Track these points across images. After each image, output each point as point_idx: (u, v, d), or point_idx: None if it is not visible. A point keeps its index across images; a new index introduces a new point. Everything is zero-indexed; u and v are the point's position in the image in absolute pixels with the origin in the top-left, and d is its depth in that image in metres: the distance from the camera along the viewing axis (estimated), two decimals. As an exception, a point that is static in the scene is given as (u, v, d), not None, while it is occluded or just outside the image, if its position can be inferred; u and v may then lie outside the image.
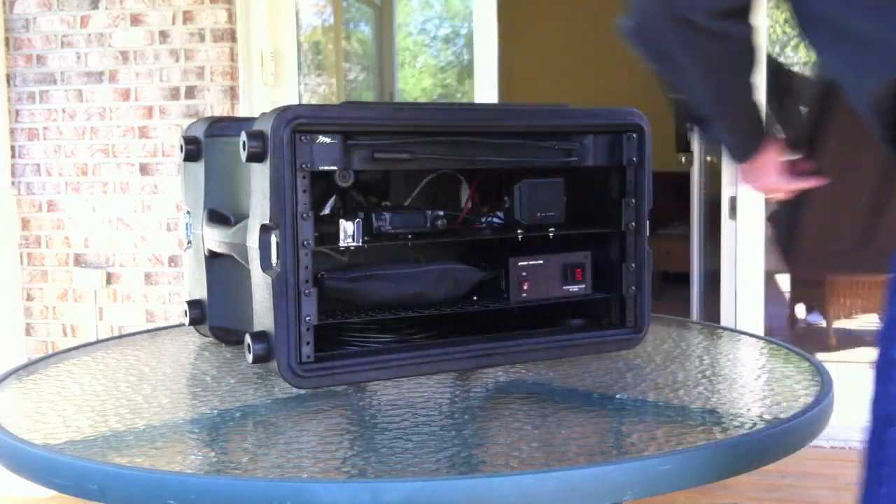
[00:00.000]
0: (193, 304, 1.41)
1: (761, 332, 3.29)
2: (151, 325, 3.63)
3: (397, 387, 1.20)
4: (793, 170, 1.21)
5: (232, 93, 3.58)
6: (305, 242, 1.12)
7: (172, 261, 3.69)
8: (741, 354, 1.42)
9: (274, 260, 1.13)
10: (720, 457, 0.94)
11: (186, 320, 1.42)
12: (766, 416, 1.06)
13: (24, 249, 3.85)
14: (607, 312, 1.37)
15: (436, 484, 0.85)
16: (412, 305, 1.27)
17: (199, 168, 1.37)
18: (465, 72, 6.55)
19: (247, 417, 1.09)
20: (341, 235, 1.19)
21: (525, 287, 1.30)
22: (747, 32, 1.08)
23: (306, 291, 1.12)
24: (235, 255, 1.27)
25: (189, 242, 1.42)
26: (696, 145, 4.35)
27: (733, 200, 3.39)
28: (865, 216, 1.21)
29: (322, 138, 1.13)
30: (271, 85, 3.65)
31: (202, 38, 3.58)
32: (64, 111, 3.74)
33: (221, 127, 1.36)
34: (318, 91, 5.07)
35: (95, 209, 3.74)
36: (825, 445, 3.33)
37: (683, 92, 1.16)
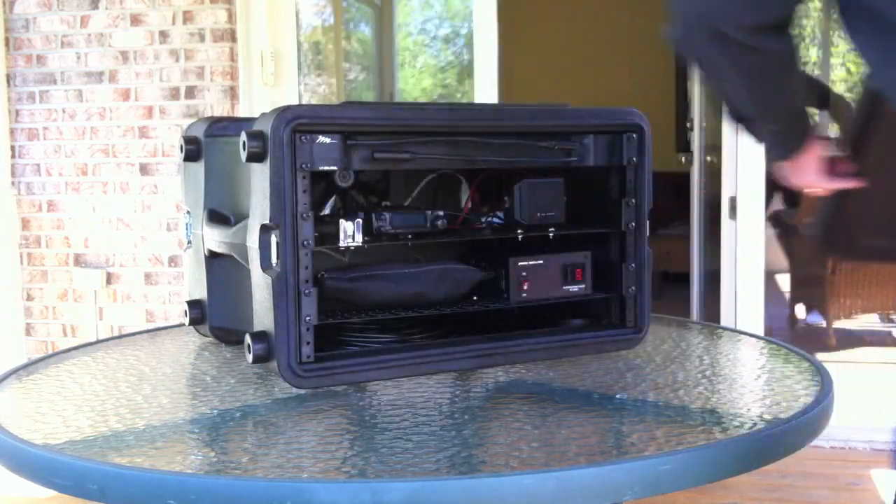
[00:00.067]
0: (193, 304, 1.41)
1: (761, 332, 3.29)
2: (151, 325, 3.63)
3: (397, 387, 1.20)
4: (833, 170, 1.23)
5: (232, 93, 3.58)
6: (305, 242, 1.12)
7: (172, 261, 3.69)
8: (741, 354, 1.42)
9: (274, 260, 1.13)
10: (720, 457, 0.94)
11: (186, 320, 1.42)
12: (766, 416, 1.06)
13: (24, 249, 3.85)
14: (607, 312, 1.37)
15: (436, 484, 0.85)
16: (412, 305, 1.27)
17: (199, 168, 1.37)
18: (465, 72, 6.55)
19: (247, 417, 1.09)
20: (341, 235, 1.19)
21: (525, 287, 1.30)
22: (783, 46, 1.10)
23: (306, 291, 1.12)
24: (235, 255, 1.27)
25: (189, 242, 1.42)
26: (696, 145, 4.35)
27: (733, 200, 3.39)
28: None
29: (322, 138, 1.13)
30: (271, 85, 3.65)
31: (202, 38, 3.58)
32: (64, 111, 3.74)
33: (221, 127, 1.36)
34: (318, 91, 5.07)
35: (95, 209, 3.74)
36: (825, 445, 3.33)
37: (725, 94, 1.18)
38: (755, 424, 1.02)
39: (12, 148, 3.80)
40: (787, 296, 5.09)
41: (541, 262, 1.32)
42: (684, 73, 7.29)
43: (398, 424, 1.05)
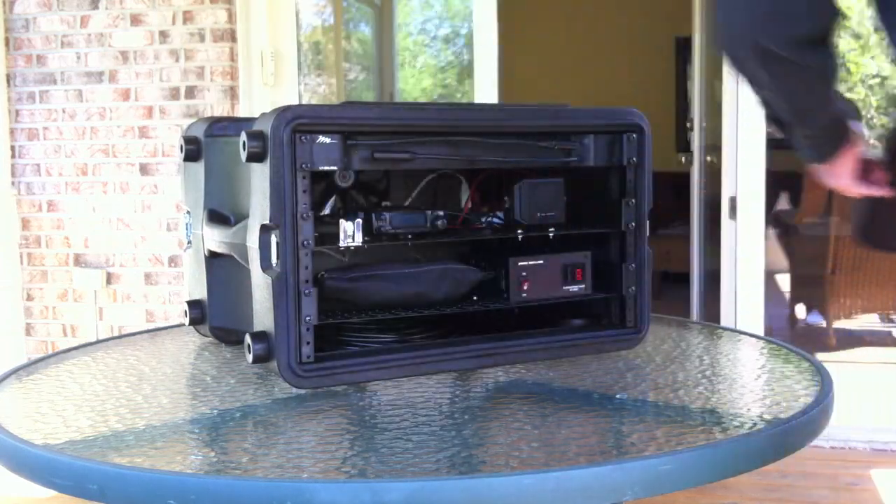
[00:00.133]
0: (193, 304, 1.41)
1: (761, 332, 3.29)
2: (151, 325, 3.63)
3: (397, 387, 1.20)
4: (867, 176, 1.26)
5: (232, 93, 3.58)
6: (305, 242, 1.12)
7: (172, 261, 3.69)
8: (741, 354, 1.42)
9: (274, 260, 1.13)
10: (720, 457, 0.94)
11: (186, 320, 1.42)
12: (766, 416, 1.06)
13: (24, 249, 3.85)
14: (607, 312, 1.37)
15: (436, 484, 0.85)
16: (412, 305, 1.27)
17: (199, 168, 1.37)
18: (465, 72, 6.55)
19: (247, 417, 1.09)
20: (341, 235, 1.19)
21: (525, 287, 1.30)
22: (821, 60, 1.13)
23: (306, 291, 1.12)
24: (235, 255, 1.27)
25: (189, 242, 1.42)
26: (696, 145, 4.35)
27: (733, 200, 3.39)
28: None
29: (322, 138, 1.13)
30: (271, 85, 3.65)
31: (202, 38, 3.58)
32: (64, 111, 3.74)
33: (221, 127, 1.36)
34: (318, 91, 5.07)
35: (95, 209, 3.74)
36: (825, 445, 3.33)
37: (765, 100, 1.21)
38: (755, 424, 1.02)
39: (12, 148, 3.80)
40: (787, 296, 5.09)
41: (541, 262, 1.32)
42: (684, 73, 7.30)
43: (398, 424, 1.05)
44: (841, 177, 1.27)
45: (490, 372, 1.28)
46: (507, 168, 1.31)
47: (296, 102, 3.26)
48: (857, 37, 6.21)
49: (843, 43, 5.91)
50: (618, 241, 1.34)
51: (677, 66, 7.41)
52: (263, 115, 1.13)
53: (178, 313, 3.67)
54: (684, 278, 4.56)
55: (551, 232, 1.32)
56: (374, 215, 1.22)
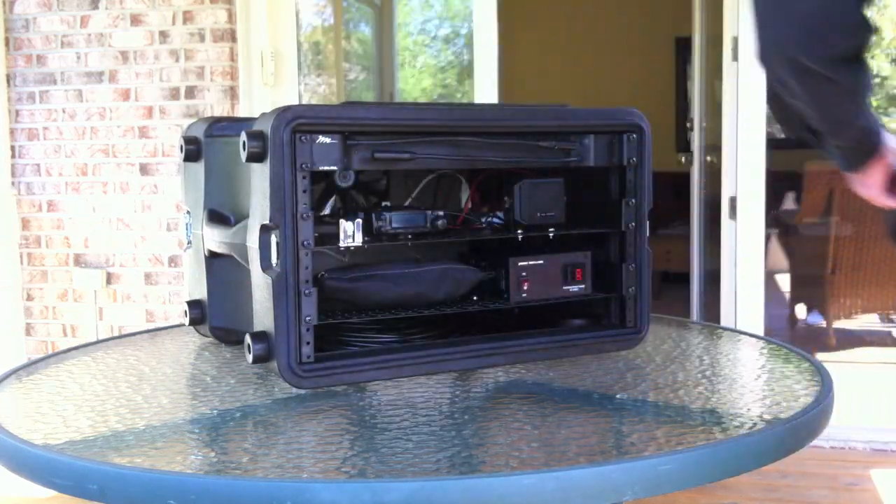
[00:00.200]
0: (193, 305, 1.41)
1: (761, 332, 3.29)
2: (151, 325, 3.63)
3: (397, 387, 1.20)
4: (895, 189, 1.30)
5: (232, 93, 3.58)
6: (305, 242, 1.12)
7: (172, 261, 3.69)
8: (741, 354, 1.42)
9: (274, 260, 1.13)
10: (720, 457, 0.94)
11: (186, 320, 1.42)
12: (766, 416, 1.06)
13: (24, 249, 3.85)
14: (607, 312, 1.37)
15: (436, 484, 0.85)
16: (412, 305, 1.27)
17: (199, 168, 1.37)
18: (465, 72, 6.55)
19: (247, 417, 1.09)
20: (341, 235, 1.19)
21: (525, 287, 1.30)
22: (855, 76, 1.16)
23: (306, 291, 1.12)
24: (235, 255, 1.27)
25: (189, 242, 1.42)
26: (696, 145, 4.35)
27: (733, 200, 3.39)
28: None
29: (322, 138, 1.13)
30: (271, 85, 3.65)
31: (202, 38, 3.58)
32: (64, 111, 3.74)
33: (221, 127, 1.36)
34: (318, 91, 5.08)
35: (95, 209, 3.74)
36: (825, 445, 3.33)
37: (798, 110, 1.24)
38: (755, 424, 1.02)
39: (12, 148, 3.81)
40: (787, 296, 5.09)
41: (541, 262, 1.32)
42: (684, 73, 7.30)
43: (398, 424, 1.05)
44: (871, 188, 1.31)
45: (490, 372, 1.28)
46: (507, 168, 1.31)
47: (296, 102, 3.26)
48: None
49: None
50: (618, 241, 1.34)
51: (677, 66, 7.42)
52: (263, 115, 1.13)
53: (178, 313, 3.67)
54: (684, 278, 4.57)
55: (551, 232, 1.32)
56: (374, 215, 1.22)
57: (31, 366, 1.36)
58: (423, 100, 6.91)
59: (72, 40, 3.71)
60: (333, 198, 1.30)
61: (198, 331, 1.46)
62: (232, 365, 1.33)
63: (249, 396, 1.17)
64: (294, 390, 1.16)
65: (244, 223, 1.22)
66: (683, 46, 6.94)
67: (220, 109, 3.57)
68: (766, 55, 1.18)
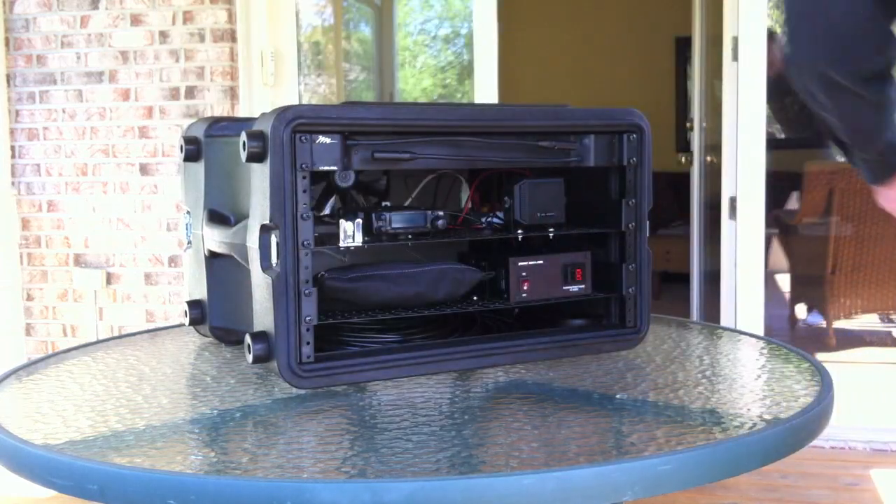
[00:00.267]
0: (193, 304, 1.41)
1: (761, 332, 3.29)
2: (151, 325, 3.63)
3: (397, 387, 1.20)
4: None
5: (232, 93, 3.58)
6: (305, 242, 1.12)
7: (172, 261, 3.69)
8: (741, 354, 1.42)
9: (274, 260, 1.13)
10: (720, 457, 0.94)
11: (186, 320, 1.42)
12: (766, 416, 1.06)
13: (24, 249, 3.85)
14: (607, 312, 1.37)
15: (436, 484, 0.85)
16: (412, 305, 1.27)
17: (199, 168, 1.37)
18: (465, 72, 6.55)
19: (247, 417, 1.09)
20: (341, 235, 1.19)
21: (525, 287, 1.30)
22: (883, 92, 1.18)
23: (306, 291, 1.12)
24: (235, 255, 1.27)
25: (189, 242, 1.42)
26: (696, 145, 4.35)
27: (733, 200, 3.39)
28: None
29: (322, 138, 1.13)
30: (271, 85, 3.65)
31: (202, 38, 3.58)
32: (64, 111, 3.74)
33: (221, 127, 1.36)
34: (318, 91, 5.08)
35: (95, 209, 3.75)
36: (825, 445, 3.33)
37: (826, 122, 1.26)
38: (755, 424, 1.02)
39: (12, 148, 3.81)
40: (787, 296, 5.10)
41: (541, 262, 1.32)
42: (684, 73, 7.31)
43: (398, 424, 1.05)
44: (893, 201, 1.33)
45: (490, 372, 1.28)
46: (507, 168, 1.31)
47: (296, 102, 3.26)
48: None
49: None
50: (618, 241, 1.34)
51: (677, 66, 7.42)
52: (263, 115, 1.13)
53: (178, 313, 3.67)
54: (684, 278, 4.57)
55: (551, 232, 1.32)
56: (374, 215, 1.22)
57: (31, 366, 1.36)
58: (423, 100, 6.91)
59: (72, 40, 3.71)
60: (333, 198, 1.30)
61: (198, 331, 1.46)
62: (232, 365, 1.33)
63: (249, 396, 1.17)
64: (294, 390, 1.16)
65: (244, 223, 1.22)
66: (683, 46, 6.95)
67: (220, 109, 3.57)
68: (797, 68, 1.20)
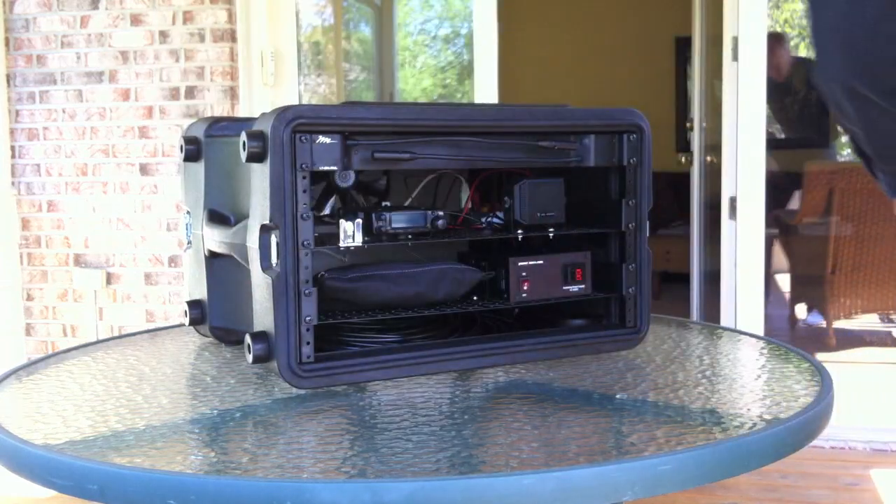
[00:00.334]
0: (193, 305, 1.41)
1: (761, 332, 3.29)
2: (151, 325, 3.63)
3: (397, 387, 1.20)
4: None
5: (232, 93, 3.58)
6: (305, 242, 1.12)
7: (172, 261, 3.69)
8: (741, 354, 1.42)
9: (274, 260, 1.13)
10: (720, 457, 0.94)
11: (186, 320, 1.42)
12: (766, 416, 1.06)
13: (24, 249, 3.85)
14: (607, 312, 1.37)
15: (436, 484, 0.85)
16: (412, 305, 1.27)
17: (199, 168, 1.37)
18: (465, 72, 6.55)
19: (247, 417, 1.09)
20: (341, 235, 1.19)
21: (525, 287, 1.30)
22: None
23: (306, 291, 1.12)
24: (235, 255, 1.27)
25: (189, 242, 1.42)
26: (696, 145, 4.35)
27: (733, 200, 3.39)
28: None
29: (322, 138, 1.13)
30: (271, 85, 3.65)
31: (202, 38, 3.58)
32: (64, 111, 3.74)
33: (221, 127, 1.36)
34: (318, 91, 5.08)
35: (95, 209, 3.75)
36: (825, 445, 3.33)
37: (851, 133, 1.27)
38: (755, 424, 1.02)
39: (12, 148, 3.81)
40: (787, 296, 5.10)
41: (541, 262, 1.32)
42: (684, 73, 7.31)
43: (398, 424, 1.05)
44: None
45: (490, 372, 1.28)
46: (507, 168, 1.31)
47: (296, 102, 3.26)
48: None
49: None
50: (618, 241, 1.34)
51: (677, 66, 7.42)
52: (263, 115, 1.13)
53: (178, 313, 3.67)
54: (684, 278, 4.57)
55: (551, 232, 1.32)
56: (374, 215, 1.22)
57: (31, 366, 1.36)
58: (423, 100, 6.91)
59: (72, 40, 3.71)
60: (333, 198, 1.30)
61: (198, 331, 1.46)
62: (232, 365, 1.33)
63: (249, 396, 1.17)
64: (294, 390, 1.16)
65: (244, 223, 1.22)
66: (683, 46, 6.95)
67: (220, 109, 3.57)
68: (824, 78, 1.21)
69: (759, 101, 3.31)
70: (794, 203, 4.99)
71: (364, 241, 1.20)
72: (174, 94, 3.62)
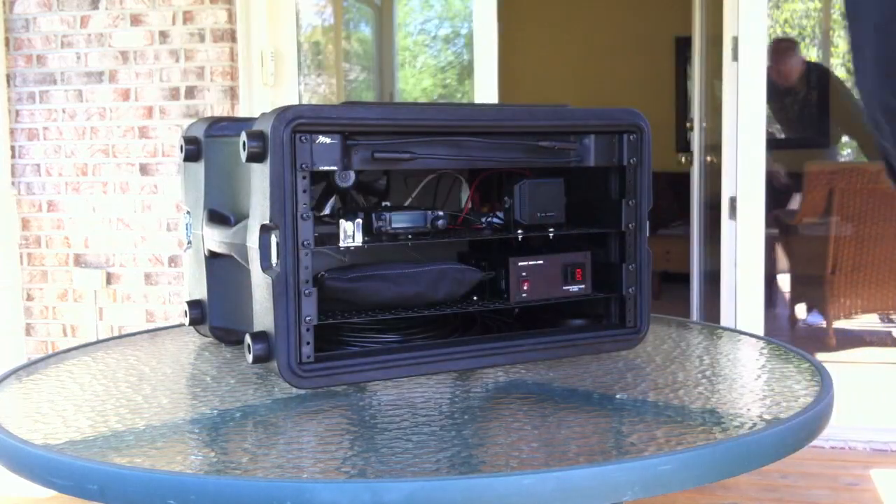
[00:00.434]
0: (193, 305, 1.41)
1: (761, 332, 3.29)
2: (151, 325, 3.63)
3: (397, 387, 1.20)
4: None
5: (232, 93, 3.58)
6: (305, 242, 1.12)
7: (172, 261, 3.69)
8: (741, 354, 1.42)
9: (274, 260, 1.13)
10: (720, 457, 0.94)
11: (186, 320, 1.42)
12: (766, 416, 1.06)
13: (24, 249, 3.85)
14: (607, 312, 1.37)
15: (436, 484, 0.85)
16: (412, 305, 1.27)
17: (199, 168, 1.37)
18: (465, 72, 6.55)
19: (247, 417, 1.09)
20: (341, 235, 1.19)
21: (525, 287, 1.30)
22: None
23: (306, 291, 1.12)
24: (235, 255, 1.27)
25: (189, 242, 1.42)
26: (696, 145, 4.35)
27: (733, 200, 3.39)
28: None
29: (322, 138, 1.13)
30: (271, 85, 3.65)
31: (202, 38, 3.58)
32: (64, 111, 3.74)
33: (221, 127, 1.36)
34: (318, 91, 5.08)
35: (95, 209, 3.74)
36: (825, 445, 3.33)
37: (886, 152, 1.28)
38: (755, 424, 1.02)
39: (12, 148, 3.81)
40: (787, 296, 5.10)
41: (541, 262, 1.32)
42: (684, 73, 7.31)
43: (398, 424, 1.05)
44: None
45: (490, 372, 1.28)
46: (507, 168, 1.31)
47: (296, 102, 3.26)
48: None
49: (843, 43, 5.92)
50: (618, 241, 1.34)
51: (677, 66, 7.42)
52: (263, 115, 1.13)
53: (178, 313, 3.67)
54: (684, 278, 4.57)
55: (551, 232, 1.32)
56: (374, 215, 1.22)
57: (31, 366, 1.36)
58: (423, 100, 6.91)
59: (72, 40, 3.71)
60: (333, 198, 1.30)
61: (198, 331, 1.46)
62: (232, 365, 1.33)
63: (249, 396, 1.17)
64: (294, 390, 1.16)
65: (244, 223, 1.22)
66: (683, 46, 6.95)
67: (220, 109, 3.57)
68: (864, 97, 1.22)
69: (759, 101, 3.31)
70: (795, 203, 4.99)
71: (364, 241, 1.20)
72: (174, 94, 3.62)
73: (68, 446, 0.98)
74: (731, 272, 3.41)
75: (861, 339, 4.79)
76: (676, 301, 4.88)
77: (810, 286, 4.82)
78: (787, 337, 4.79)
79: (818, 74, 5.17)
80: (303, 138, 1.11)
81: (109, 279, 3.75)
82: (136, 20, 3.63)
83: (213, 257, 1.36)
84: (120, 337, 1.59)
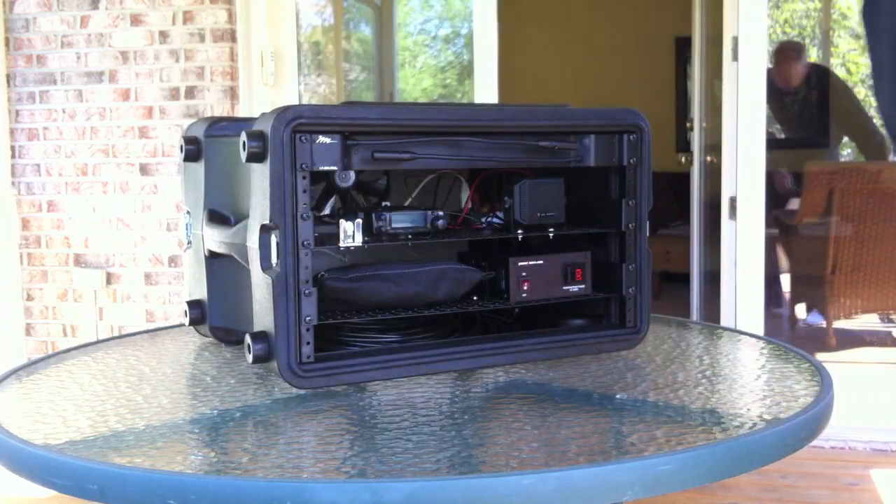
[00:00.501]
0: (193, 305, 1.41)
1: (761, 332, 3.29)
2: (151, 325, 3.63)
3: (397, 387, 1.20)
4: None
5: (232, 93, 3.58)
6: (305, 242, 1.12)
7: (172, 261, 3.69)
8: (741, 354, 1.42)
9: (274, 260, 1.13)
10: (720, 457, 0.94)
11: (186, 320, 1.42)
12: (766, 416, 1.06)
13: (24, 249, 3.85)
14: (607, 312, 1.37)
15: (436, 484, 0.85)
16: (412, 305, 1.27)
17: (199, 168, 1.37)
18: (465, 72, 6.55)
19: (247, 417, 1.09)
20: (341, 235, 1.19)
21: (525, 287, 1.30)
22: None
23: (306, 291, 1.12)
24: (235, 255, 1.27)
25: (189, 242, 1.42)
26: (696, 145, 4.35)
27: (733, 200, 3.39)
28: None
29: (322, 138, 1.13)
30: (271, 85, 3.65)
31: (202, 38, 3.58)
32: (64, 111, 3.74)
33: (221, 127, 1.36)
34: (318, 91, 5.08)
35: (95, 209, 3.74)
36: (825, 445, 3.33)
37: None
38: (755, 424, 1.02)
39: (12, 148, 3.81)
40: (787, 296, 5.10)
41: (541, 262, 1.32)
42: (684, 73, 7.31)
43: (398, 424, 1.05)
44: None
45: (490, 372, 1.28)
46: (507, 168, 1.31)
47: (296, 102, 3.26)
48: (857, 37, 6.21)
49: (843, 43, 5.92)
50: (618, 241, 1.34)
51: (677, 66, 7.42)
52: (263, 115, 1.13)
53: (178, 313, 3.67)
54: (684, 278, 4.57)
55: (551, 232, 1.32)
56: (374, 215, 1.22)
57: (31, 366, 1.36)
58: (423, 100, 6.91)
59: (72, 40, 3.71)
60: (333, 198, 1.30)
61: (198, 331, 1.46)
62: (232, 365, 1.33)
63: (249, 396, 1.17)
64: (294, 390, 1.16)
65: (244, 223, 1.22)
66: (683, 46, 6.95)
67: (220, 109, 3.57)
68: (886, 117, 1.24)
69: (759, 101, 3.31)
70: (794, 203, 4.99)
71: (364, 241, 1.20)
72: (174, 94, 3.62)
73: (68, 446, 0.98)
74: (731, 272, 3.41)
75: (861, 339, 4.79)
76: (676, 301, 4.88)
77: (810, 286, 4.82)
78: (787, 337, 4.79)
79: (818, 74, 5.17)
80: (303, 138, 1.11)
81: (109, 279, 3.75)
82: (136, 20, 3.63)
83: (213, 257, 1.36)
84: (120, 337, 1.59)
